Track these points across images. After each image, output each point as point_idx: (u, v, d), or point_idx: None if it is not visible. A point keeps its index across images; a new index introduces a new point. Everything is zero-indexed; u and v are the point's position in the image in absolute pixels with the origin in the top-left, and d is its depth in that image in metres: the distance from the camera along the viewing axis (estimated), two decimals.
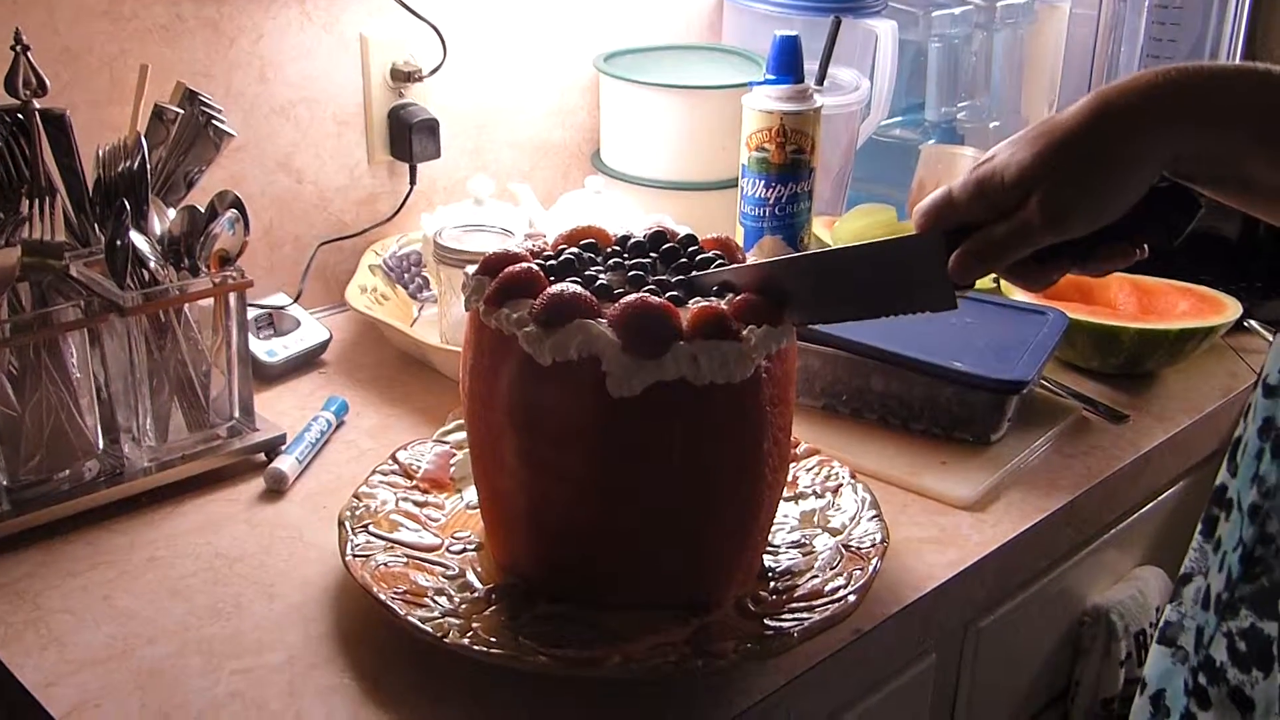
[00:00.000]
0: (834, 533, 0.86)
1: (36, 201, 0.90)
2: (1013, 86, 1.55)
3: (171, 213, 0.95)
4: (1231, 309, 1.15)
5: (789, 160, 1.19)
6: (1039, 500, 0.96)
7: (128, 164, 0.93)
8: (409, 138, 1.26)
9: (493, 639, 0.74)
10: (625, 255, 0.81)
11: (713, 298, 0.76)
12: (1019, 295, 1.20)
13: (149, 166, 0.93)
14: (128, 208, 0.90)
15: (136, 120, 1.00)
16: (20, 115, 0.91)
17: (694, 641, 0.75)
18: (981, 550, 0.90)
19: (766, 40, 1.23)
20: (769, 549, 0.84)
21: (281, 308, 1.17)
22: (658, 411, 0.71)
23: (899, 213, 1.36)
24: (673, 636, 0.75)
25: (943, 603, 0.88)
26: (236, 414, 0.98)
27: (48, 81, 0.91)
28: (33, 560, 0.86)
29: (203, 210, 0.94)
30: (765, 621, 0.77)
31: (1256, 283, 1.26)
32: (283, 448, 0.98)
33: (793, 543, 0.85)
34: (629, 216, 1.25)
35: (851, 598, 0.78)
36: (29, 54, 0.90)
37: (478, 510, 0.86)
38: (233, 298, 0.95)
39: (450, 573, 0.81)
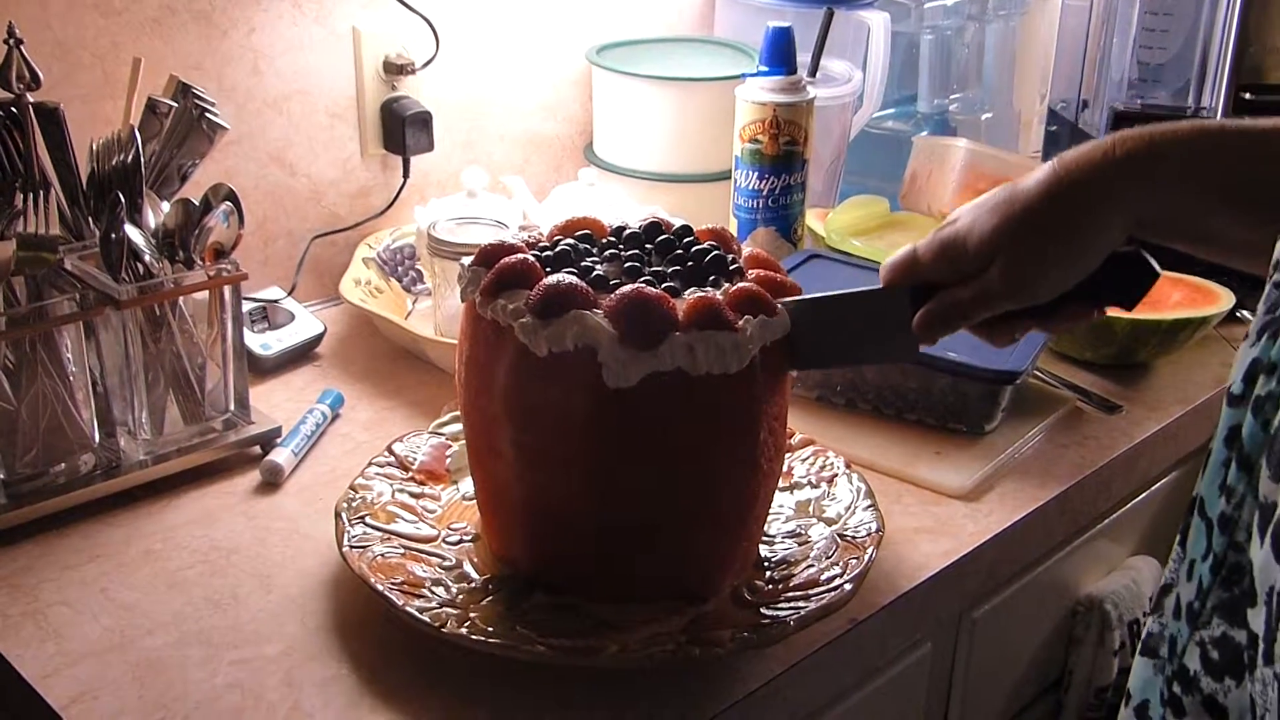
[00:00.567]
0: (829, 522, 0.86)
1: (30, 195, 0.90)
2: (1005, 78, 1.55)
3: (165, 206, 0.95)
4: (1224, 299, 1.15)
5: (782, 152, 1.20)
6: (1033, 490, 0.97)
7: (121, 157, 0.93)
8: (402, 131, 1.26)
9: (490, 629, 0.74)
10: (621, 247, 0.81)
11: (709, 288, 0.76)
12: None
13: (143, 160, 0.93)
14: (122, 201, 0.90)
15: (130, 113, 0.99)
16: (14, 109, 0.91)
17: (690, 631, 0.75)
18: (976, 540, 0.91)
19: (758, 32, 1.24)
20: (765, 539, 0.84)
21: (275, 301, 1.17)
22: (654, 402, 0.72)
23: (891, 204, 1.37)
24: (669, 626, 0.75)
25: (937, 592, 0.88)
26: (232, 407, 0.98)
27: (41, 75, 0.91)
28: (30, 553, 0.86)
29: (197, 203, 0.93)
30: (761, 611, 0.77)
31: (1249, 274, 1.26)
32: (278, 440, 0.98)
33: (788, 532, 0.85)
34: (622, 209, 1.25)
35: (847, 587, 0.79)
36: (22, 47, 0.90)
37: (474, 502, 0.87)
38: (227, 291, 0.95)
39: (447, 564, 0.81)
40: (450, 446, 0.94)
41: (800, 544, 0.84)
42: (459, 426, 0.94)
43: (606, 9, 1.42)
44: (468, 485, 0.89)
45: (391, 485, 0.89)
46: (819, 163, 1.32)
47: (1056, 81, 1.44)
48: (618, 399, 0.71)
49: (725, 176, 1.27)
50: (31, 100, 0.91)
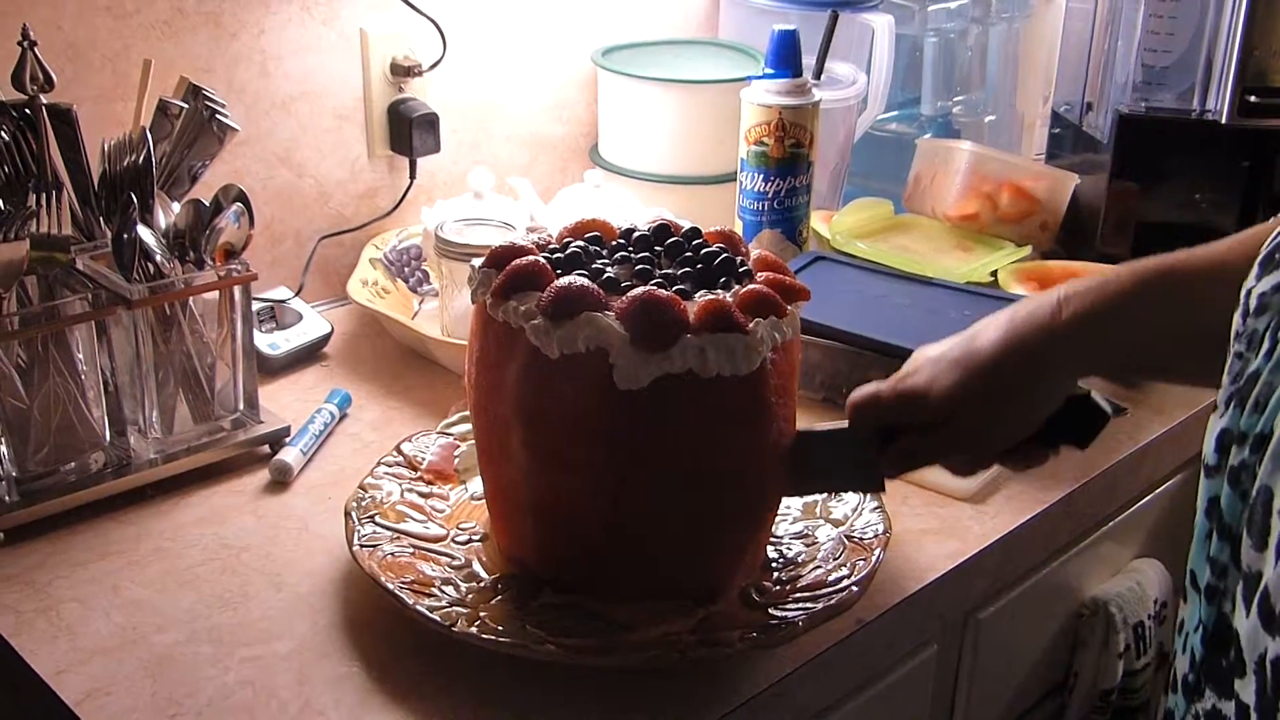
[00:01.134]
0: (836, 524, 0.87)
1: (43, 195, 0.90)
2: (1008, 81, 1.55)
3: (176, 206, 0.96)
4: None
5: (788, 154, 1.20)
6: (1038, 492, 0.97)
7: (133, 158, 0.94)
8: (409, 132, 1.26)
9: (500, 628, 0.75)
10: (630, 249, 0.81)
11: (719, 290, 0.77)
12: (1019, 289, 1.21)
13: (154, 160, 0.94)
14: (134, 201, 0.91)
15: (141, 115, 1.00)
16: (28, 110, 0.91)
17: (699, 631, 0.76)
18: (982, 541, 0.91)
19: (763, 35, 1.24)
20: (772, 540, 0.84)
21: (283, 301, 1.17)
22: (665, 404, 0.72)
23: (895, 207, 1.37)
24: (678, 626, 0.76)
25: (944, 593, 0.88)
26: (241, 406, 0.98)
27: (54, 77, 0.91)
28: (42, 550, 0.86)
29: (207, 204, 0.94)
30: (769, 612, 0.78)
31: None
32: (287, 440, 0.98)
33: (796, 534, 0.86)
34: (628, 211, 1.26)
35: (854, 588, 0.79)
36: (36, 49, 0.90)
37: (482, 501, 0.87)
38: (237, 291, 0.95)
39: (456, 563, 0.82)
40: (458, 446, 0.94)
41: (808, 545, 0.85)
42: (467, 426, 0.94)
43: (612, 11, 1.42)
44: (476, 485, 0.89)
45: (400, 485, 0.89)
46: (824, 165, 1.32)
47: (1060, 84, 1.44)
48: (629, 400, 0.71)
49: (730, 179, 1.27)
50: (45, 101, 0.92)
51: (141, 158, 0.93)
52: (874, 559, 0.82)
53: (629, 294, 0.73)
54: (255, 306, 1.11)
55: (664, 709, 0.74)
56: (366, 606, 0.81)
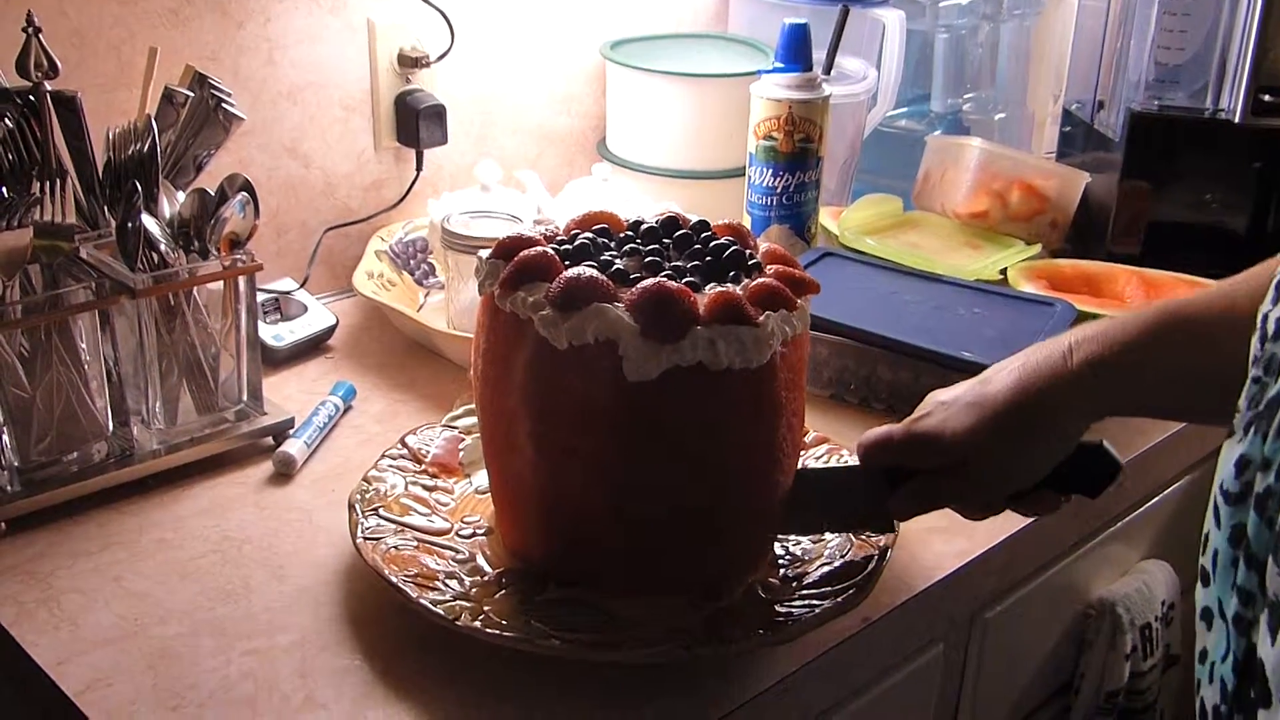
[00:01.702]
0: None
1: (47, 184, 0.90)
2: (1019, 78, 1.55)
3: (181, 196, 0.95)
4: None
5: (797, 149, 1.20)
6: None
7: (138, 146, 0.93)
8: (416, 124, 1.25)
9: (504, 622, 0.74)
10: (639, 241, 0.80)
11: (729, 283, 0.76)
12: (1028, 287, 1.20)
13: (159, 149, 0.93)
14: (139, 190, 0.90)
15: (146, 103, 0.99)
16: (32, 97, 0.91)
17: (705, 627, 0.75)
18: (989, 541, 0.90)
19: (772, 29, 1.23)
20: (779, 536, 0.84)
21: (288, 293, 1.17)
22: (674, 396, 0.71)
23: (905, 203, 1.37)
24: (684, 622, 0.75)
25: (950, 593, 0.88)
26: (245, 397, 0.98)
27: (59, 64, 0.91)
28: (44, 540, 0.86)
29: (212, 193, 0.93)
30: (776, 608, 0.77)
31: None
32: (291, 431, 0.98)
33: None
34: (636, 205, 1.25)
35: (862, 586, 0.78)
36: (40, 36, 0.90)
37: (487, 495, 0.86)
38: (242, 281, 0.95)
39: (460, 557, 0.81)
40: (463, 440, 0.93)
41: (815, 542, 0.84)
42: (472, 420, 0.94)
43: (621, 4, 1.41)
44: (480, 479, 0.89)
45: (404, 478, 0.89)
46: (833, 161, 1.32)
47: (1072, 82, 1.43)
48: (638, 392, 0.71)
49: (739, 173, 1.26)
50: (49, 88, 0.91)
51: (146, 146, 0.93)
52: (881, 557, 0.81)
53: (639, 286, 0.72)
54: (260, 297, 1.10)
55: (668, 705, 0.73)
56: (369, 600, 0.81)
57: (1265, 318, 0.60)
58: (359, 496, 0.85)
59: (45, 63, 0.90)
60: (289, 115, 1.20)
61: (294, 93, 1.19)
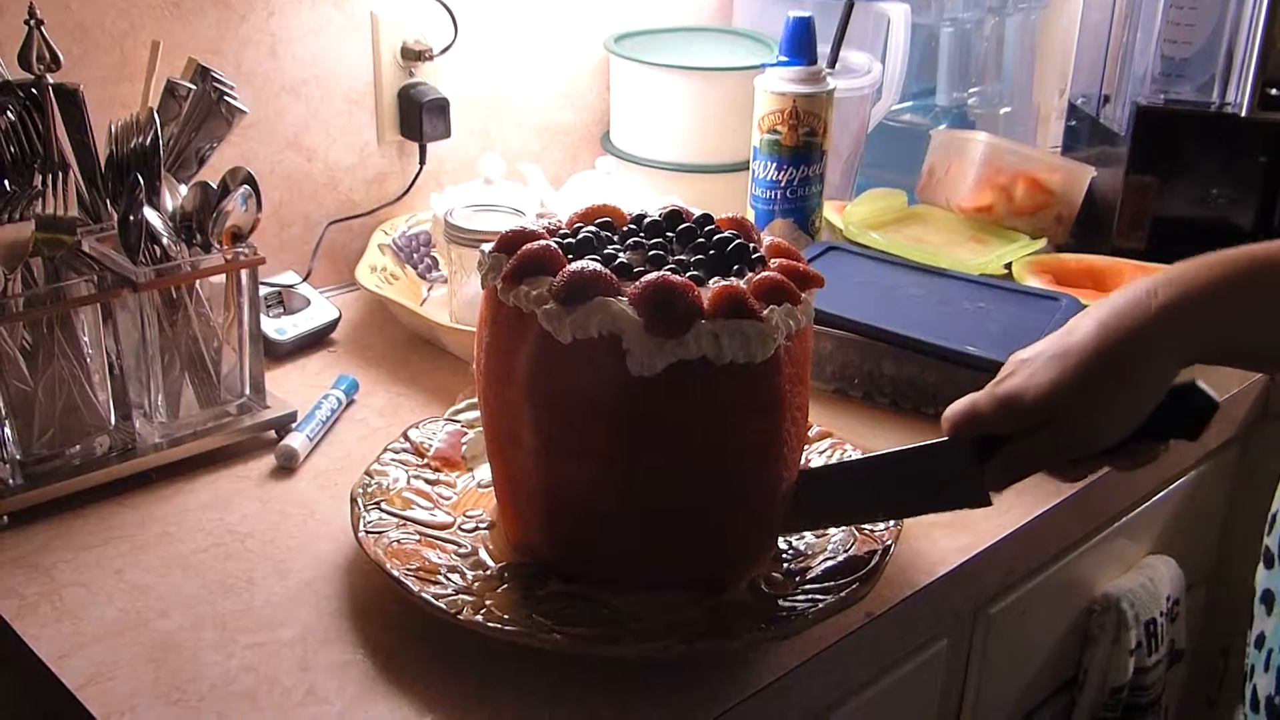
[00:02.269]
0: None
1: (49, 176, 0.90)
2: (1024, 72, 1.54)
3: (183, 189, 0.95)
4: None
5: (801, 143, 1.19)
6: (1050, 487, 0.95)
7: (140, 140, 0.93)
8: (419, 117, 1.25)
9: (506, 616, 0.74)
10: (642, 235, 0.80)
11: (733, 277, 0.76)
12: (1032, 281, 1.20)
13: (161, 142, 0.93)
14: (141, 183, 0.90)
15: (148, 96, 0.99)
16: (34, 90, 0.91)
17: (707, 622, 0.75)
18: (993, 536, 0.90)
19: (776, 23, 1.23)
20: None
21: (291, 286, 1.16)
22: (678, 390, 0.71)
23: (909, 198, 1.36)
24: (686, 616, 0.75)
25: (954, 588, 0.87)
26: (247, 391, 0.98)
27: (61, 56, 0.91)
28: (46, 534, 0.86)
29: (215, 187, 0.93)
30: (778, 603, 0.77)
31: None
32: (293, 425, 0.98)
33: None
34: (639, 199, 1.25)
35: (864, 580, 0.78)
36: (42, 28, 0.90)
37: (489, 489, 0.86)
38: (244, 274, 0.94)
39: (462, 550, 0.81)
40: (466, 434, 0.93)
41: (818, 536, 0.84)
42: (474, 414, 0.93)
43: None
44: (483, 472, 0.88)
45: (407, 471, 0.89)
46: (837, 155, 1.31)
47: (1077, 76, 1.42)
48: (641, 387, 0.70)
49: (743, 167, 1.26)
50: (51, 81, 0.91)
51: (149, 139, 0.92)
52: (884, 551, 0.81)
53: (643, 279, 0.72)
54: (263, 291, 1.10)
55: (670, 699, 0.73)
56: (371, 593, 0.80)
57: None
58: (361, 490, 0.85)
59: (47, 55, 0.90)
60: (292, 109, 1.19)
61: (297, 86, 1.19)
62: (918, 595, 0.84)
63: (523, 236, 0.77)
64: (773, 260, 0.78)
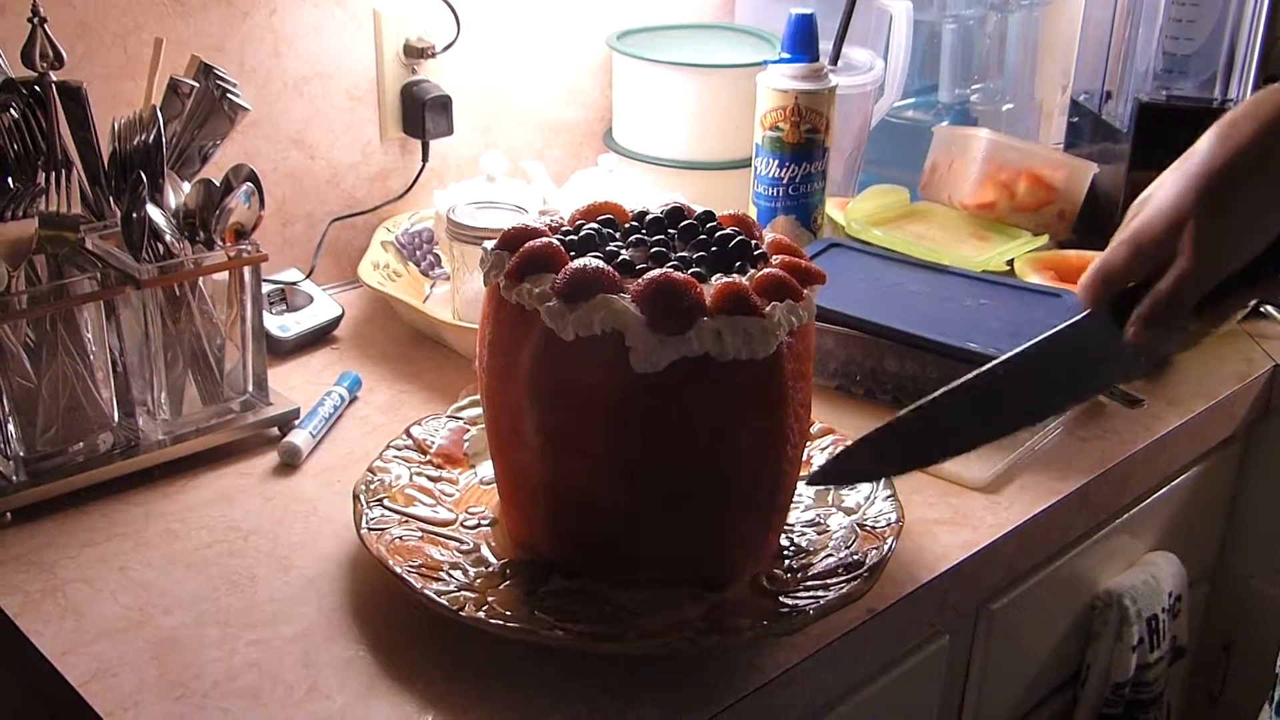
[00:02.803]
0: (848, 512, 0.86)
1: (52, 174, 0.90)
2: (1027, 69, 1.54)
3: (186, 186, 0.95)
4: None
5: (803, 139, 1.19)
6: (1053, 483, 0.96)
7: (143, 137, 0.93)
8: (422, 114, 1.25)
9: (509, 613, 0.74)
10: (644, 231, 0.80)
11: (735, 274, 0.76)
12: (1035, 278, 1.20)
13: (164, 140, 0.93)
14: (144, 181, 0.90)
15: (151, 93, 0.99)
16: (37, 88, 0.91)
17: (709, 618, 0.75)
18: (995, 532, 0.90)
19: (779, 20, 1.23)
20: (784, 527, 0.83)
21: (294, 283, 1.17)
22: (681, 387, 0.71)
23: (911, 194, 1.36)
24: (688, 613, 0.75)
25: (956, 584, 0.88)
26: (250, 388, 0.98)
27: (64, 54, 0.91)
28: (49, 531, 0.86)
29: (217, 184, 0.93)
30: (780, 600, 0.77)
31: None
32: (296, 422, 0.98)
33: (807, 521, 0.85)
34: (642, 195, 1.25)
35: (866, 577, 0.78)
36: (45, 26, 0.90)
37: (491, 486, 0.86)
38: (247, 272, 0.95)
39: (465, 547, 0.81)
40: (468, 430, 0.93)
41: (820, 533, 0.84)
42: (477, 411, 0.94)
43: None
44: (485, 469, 0.89)
45: (409, 468, 0.89)
46: (839, 152, 1.31)
47: (1079, 72, 1.42)
48: (644, 384, 0.71)
49: (745, 164, 1.26)
50: (54, 79, 0.91)
51: (152, 137, 0.92)
52: (886, 548, 0.81)
53: (645, 276, 0.72)
54: (265, 288, 1.10)
55: (672, 696, 0.73)
56: (374, 590, 0.81)
57: None
58: (364, 487, 0.85)
59: (51, 53, 0.90)
60: (295, 106, 1.20)
61: (299, 84, 1.19)
62: (919, 592, 0.84)
63: (525, 234, 0.77)
64: (774, 257, 0.79)
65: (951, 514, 0.92)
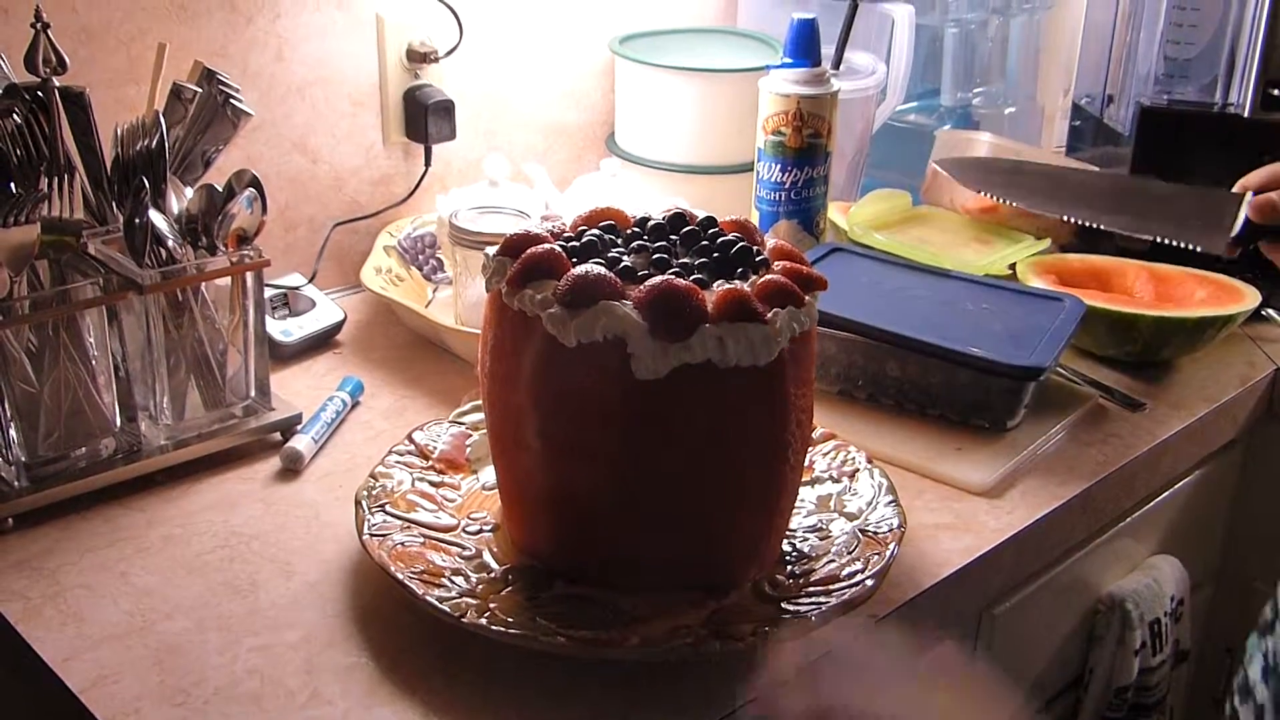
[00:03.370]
0: (850, 517, 0.86)
1: (55, 179, 0.90)
2: (1029, 72, 1.54)
3: (189, 192, 0.95)
4: (1250, 298, 1.14)
5: (805, 144, 1.19)
6: (1055, 488, 0.96)
7: (146, 142, 0.93)
8: (424, 119, 1.25)
9: (510, 619, 0.74)
10: (646, 238, 0.80)
11: (737, 280, 0.76)
12: (1037, 282, 1.19)
13: (167, 145, 0.93)
14: (146, 186, 0.90)
15: (154, 99, 0.99)
16: (40, 93, 0.91)
17: (711, 624, 0.75)
18: (998, 537, 0.90)
19: (781, 24, 1.23)
20: (786, 533, 0.83)
21: (296, 288, 1.17)
22: (683, 394, 0.71)
23: (913, 198, 1.36)
24: (690, 619, 0.75)
25: (959, 589, 0.87)
26: (253, 393, 0.98)
27: (67, 59, 0.91)
28: (51, 536, 0.86)
29: (220, 189, 0.93)
30: (782, 605, 0.77)
31: (1275, 271, 1.26)
32: (298, 427, 0.98)
33: (810, 527, 0.85)
34: (645, 200, 1.25)
35: (869, 582, 0.78)
36: (49, 31, 0.90)
37: (493, 491, 0.86)
38: (250, 277, 0.95)
39: (467, 553, 0.81)
40: (470, 436, 0.93)
41: (822, 539, 0.84)
42: (479, 416, 0.94)
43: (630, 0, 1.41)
44: (487, 475, 0.89)
45: (411, 474, 0.89)
46: (841, 156, 1.31)
47: (1081, 76, 1.42)
48: (646, 390, 0.71)
49: (747, 168, 1.26)
50: (57, 84, 0.91)
51: (154, 142, 0.92)
52: (888, 553, 0.81)
53: (647, 283, 0.72)
54: (268, 293, 1.10)
55: (674, 702, 0.73)
56: (376, 596, 0.81)
57: None
58: (366, 492, 0.85)
59: (54, 58, 0.90)
60: (297, 111, 1.20)
61: (302, 88, 1.19)
62: (922, 597, 0.84)
63: (527, 240, 0.77)
64: (776, 263, 0.79)
65: (954, 519, 0.92)
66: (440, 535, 0.82)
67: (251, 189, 0.93)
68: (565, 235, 0.80)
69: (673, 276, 0.73)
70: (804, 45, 1.20)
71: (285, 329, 1.12)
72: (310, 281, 1.18)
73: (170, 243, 0.91)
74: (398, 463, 0.90)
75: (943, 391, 1.01)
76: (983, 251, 1.26)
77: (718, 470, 0.74)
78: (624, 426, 0.73)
